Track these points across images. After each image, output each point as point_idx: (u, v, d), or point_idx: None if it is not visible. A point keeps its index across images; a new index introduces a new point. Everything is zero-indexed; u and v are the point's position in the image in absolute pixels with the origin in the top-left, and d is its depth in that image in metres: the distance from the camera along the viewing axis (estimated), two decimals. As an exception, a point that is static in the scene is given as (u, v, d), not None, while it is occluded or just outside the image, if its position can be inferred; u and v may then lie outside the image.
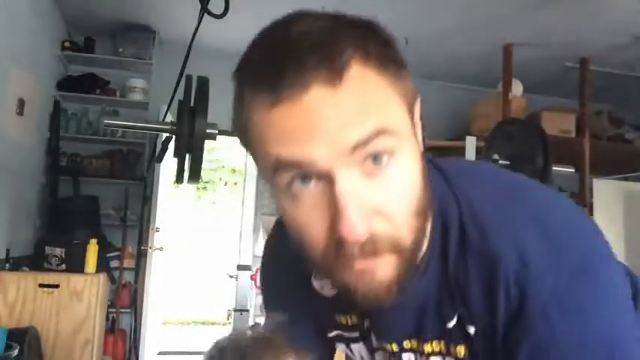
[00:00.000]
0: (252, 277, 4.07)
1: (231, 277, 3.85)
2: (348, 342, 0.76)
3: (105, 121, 2.54)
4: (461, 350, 0.63)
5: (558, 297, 0.55)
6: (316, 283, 0.72)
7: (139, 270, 4.09)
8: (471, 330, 0.61)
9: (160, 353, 4.64)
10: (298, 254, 0.61)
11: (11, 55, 2.98)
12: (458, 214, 0.60)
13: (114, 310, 3.91)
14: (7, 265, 3.02)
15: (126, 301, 4.02)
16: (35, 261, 3.23)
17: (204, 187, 10.36)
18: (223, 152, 8.98)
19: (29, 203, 3.57)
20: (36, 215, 3.69)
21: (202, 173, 2.31)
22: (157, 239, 4.18)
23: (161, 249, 4.27)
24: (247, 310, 3.82)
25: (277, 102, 0.49)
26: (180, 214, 7.98)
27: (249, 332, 0.66)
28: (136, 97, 4.15)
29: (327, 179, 0.50)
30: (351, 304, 0.67)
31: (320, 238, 0.53)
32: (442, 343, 0.64)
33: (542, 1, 3.33)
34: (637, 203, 3.76)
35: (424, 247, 0.60)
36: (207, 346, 0.68)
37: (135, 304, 4.04)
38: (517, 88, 4.01)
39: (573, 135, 3.93)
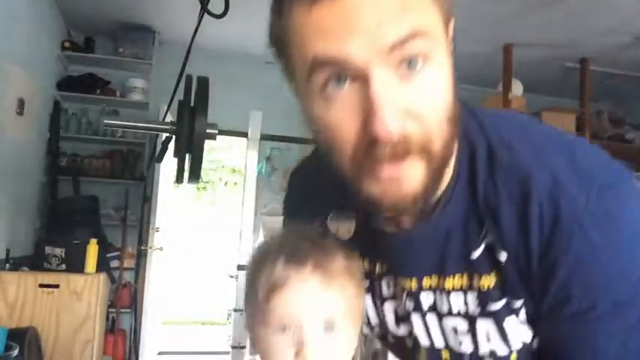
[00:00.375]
0: (252, 277, 4.07)
1: (232, 277, 3.85)
2: None
3: (105, 121, 2.54)
4: (486, 282, 0.61)
5: (593, 211, 0.55)
6: (332, 225, 0.72)
7: (139, 270, 4.09)
8: (502, 257, 0.59)
9: (159, 353, 4.64)
10: (315, 191, 0.66)
11: (11, 55, 2.98)
12: (485, 139, 0.61)
13: (114, 310, 3.91)
14: (7, 265, 3.02)
15: (126, 301, 4.02)
16: (35, 261, 3.23)
17: (204, 187, 10.36)
18: (223, 152, 8.98)
19: (29, 203, 3.57)
20: (36, 215, 3.69)
21: (202, 173, 2.31)
22: (157, 239, 4.18)
23: (161, 249, 4.27)
24: (247, 310, 3.82)
25: (317, 0, 0.50)
26: (180, 214, 7.98)
27: (297, 232, 0.67)
28: (136, 97, 4.15)
29: (362, 79, 0.51)
30: (364, 248, 0.68)
31: (351, 139, 0.53)
32: (464, 276, 0.63)
33: (542, 1, 3.33)
34: (637, 203, 3.76)
35: (451, 169, 0.60)
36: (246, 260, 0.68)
37: (135, 304, 4.04)
38: (517, 88, 4.01)
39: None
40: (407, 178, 0.54)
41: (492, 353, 0.64)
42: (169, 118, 3.00)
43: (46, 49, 3.74)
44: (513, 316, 0.61)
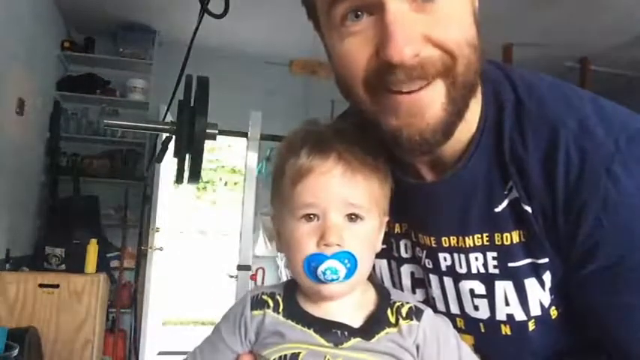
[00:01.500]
0: (252, 277, 4.06)
1: (231, 277, 3.85)
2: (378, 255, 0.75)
3: (105, 121, 2.54)
4: (508, 239, 0.60)
5: (621, 156, 0.54)
6: None
7: (139, 270, 4.08)
8: (528, 211, 0.59)
9: (159, 353, 4.64)
10: None
11: (11, 55, 2.98)
12: (513, 91, 0.60)
13: (114, 310, 3.91)
14: (7, 265, 3.02)
15: (126, 301, 4.02)
16: (35, 261, 3.23)
17: (204, 187, 10.36)
18: (223, 152, 8.98)
19: (29, 203, 3.57)
20: (36, 215, 3.69)
21: (202, 173, 2.31)
22: (157, 239, 4.18)
23: (161, 249, 4.27)
24: (247, 310, 3.82)
25: None
26: (180, 214, 7.99)
27: (323, 122, 0.67)
28: (136, 97, 4.15)
29: (379, 12, 0.52)
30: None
31: (364, 66, 0.54)
32: (486, 235, 0.62)
33: (542, 1, 3.33)
34: (637, 203, 3.77)
35: (476, 116, 0.60)
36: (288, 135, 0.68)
37: (135, 304, 4.04)
38: (517, 88, 4.01)
39: (573, 135, 3.94)
40: (427, 105, 0.53)
41: (510, 318, 0.62)
42: (169, 118, 3.00)
43: (46, 49, 3.73)
44: (533, 279, 0.60)
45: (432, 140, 0.55)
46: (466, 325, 0.67)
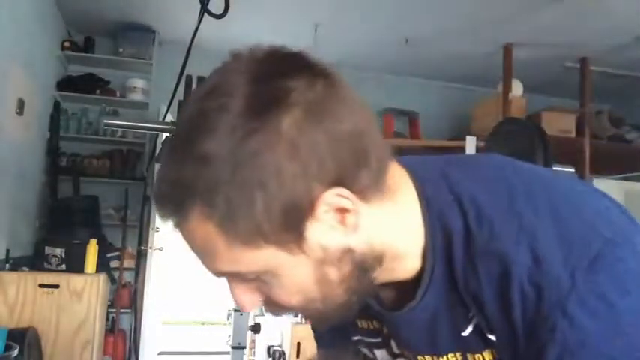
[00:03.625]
0: (252, 277, 4.06)
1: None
2: (370, 347, 0.73)
3: (105, 121, 2.55)
4: (482, 357, 0.59)
5: (578, 292, 0.49)
6: None
7: (139, 270, 4.09)
8: (492, 337, 0.56)
9: (160, 353, 4.64)
10: None
11: (11, 55, 2.98)
12: (461, 215, 0.55)
13: (114, 310, 3.91)
14: (7, 265, 3.02)
15: (126, 301, 4.02)
16: (35, 261, 3.23)
17: (204, 187, 10.38)
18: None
19: (29, 203, 3.57)
20: (36, 215, 3.69)
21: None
22: (157, 239, 4.18)
23: (161, 249, 4.27)
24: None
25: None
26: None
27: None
28: (136, 97, 4.15)
29: None
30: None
31: None
32: (459, 354, 0.60)
33: (542, 1, 3.33)
34: (637, 203, 3.76)
35: (417, 259, 0.58)
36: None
37: (135, 304, 4.04)
38: (517, 88, 4.01)
39: (573, 135, 3.93)
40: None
41: None
42: (169, 118, 3.00)
43: (46, 49, 3.73)
44: None
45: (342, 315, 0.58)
46: None
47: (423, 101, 4.76)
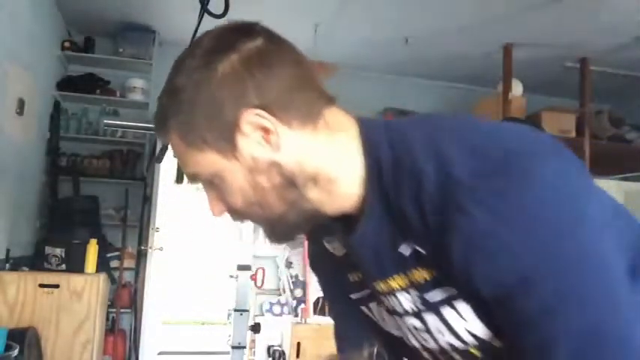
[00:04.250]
0: (252, 277, 4.07)
1: (232, 277, 3.85)
2: (366, 303, 0.79)
3: (105, 121, 2.54)
4: (419, 276, 0.65)
5: (477, 193, 0.55)
6: (328, 246, 0.79)
7: (139, 270, 4.09)
8: (423, 251, 0.63)
9: (160, 353, 4.64)
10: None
11: (11, 55, 2.98)
12: (391, 150, 0.64)
13: (114, 310, 3.91)
14: (7, 265, 3.02)
15: (126, 301, 4.02)
16: (35, 261, 3.23)
17: (204, 187, 10.37)
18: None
19: (29, 203, 3.57)
20: (36, 215, 3.69)
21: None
22: (157, 239, 4.18)
23: (161, 249, 4.27)
24: (247, 310, 3.82)
25: None
26: (180, 214, 7.97)
27: None
28: (136, 97, 4.15)
29: None
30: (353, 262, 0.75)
31: None
32: (402, 276, 0.67)
33: (542, 1, 3.33)
34: (637, 203, 3.76)
35: (356, 187, 0.67)
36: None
37: (135, 304, 4.04)
38: (517, 88, 4.01)
39: (573, 135, 3.93)
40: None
41: (453, 347, 0.67)
42: (169, 118, 3.00)
43: (46, 49, 3.74)
44: (449, 309, 0.64)
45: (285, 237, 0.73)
46: (430, 356, 0.72)
47: (423, 101, 4.75)
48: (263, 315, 4.27)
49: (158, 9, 3.86)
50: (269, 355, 4.12)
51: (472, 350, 0.66)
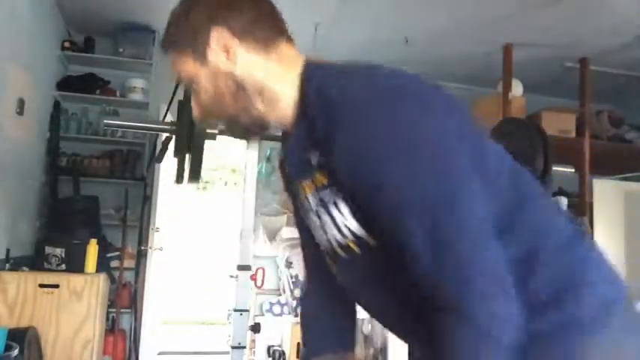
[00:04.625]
0: (252, 277, 4.06)
1: (232, 277, 3.84)
2: (309, 216, 0.96)
3: (105, 121, 2.54)
4: (320, 179, 0.86)
5: (352, 110, 0.77)
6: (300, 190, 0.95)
7: (139, 270, 4.09)
8: (323, 159, 0.83)
9: (160, 353, 4.64)
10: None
11: (11, 55, 2.98)
12: (317, 80, 0.85)
13: (114, 310, 3.91)
14: (7, 265, 3.02)
15: (126, 301, 4.02)
16: (35, 261, 3.23)
17: (204, 187, 10.37)
18: (223, 152, 8.98)
19: (29, 203, 3.57)
20: (36, 215, 3.69)
21: (202, 173, 2.31)
22: (157, 239, 4.18)
23: (161, 249, 4.27)
24: (247, 311, 3.81)
25: None
26: (180, 214, 7.98)
27: None
28: (136, 97, 4.15)
29: None
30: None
31: None
32: (310, 182, 0.89)
33: (542, 1, 3.33)
34: (637, 203, 3.77)
35: (291, 109, 0.89)
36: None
37: (135, 304, 4.04)
38: (517, 88, 4.01)
39: (573, 135, 3.93)
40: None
41: (337, 242, 0.89)
42: (169, 118, 3.00)
43: (46, 49, 3.74)
44: (334, 207, 0.85)
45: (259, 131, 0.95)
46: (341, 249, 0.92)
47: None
48: (263, 315, 4.27)
49: (158, 9, 3.85)
50: (269, 355, 4.12)
51: (350, 244, 0.86)
